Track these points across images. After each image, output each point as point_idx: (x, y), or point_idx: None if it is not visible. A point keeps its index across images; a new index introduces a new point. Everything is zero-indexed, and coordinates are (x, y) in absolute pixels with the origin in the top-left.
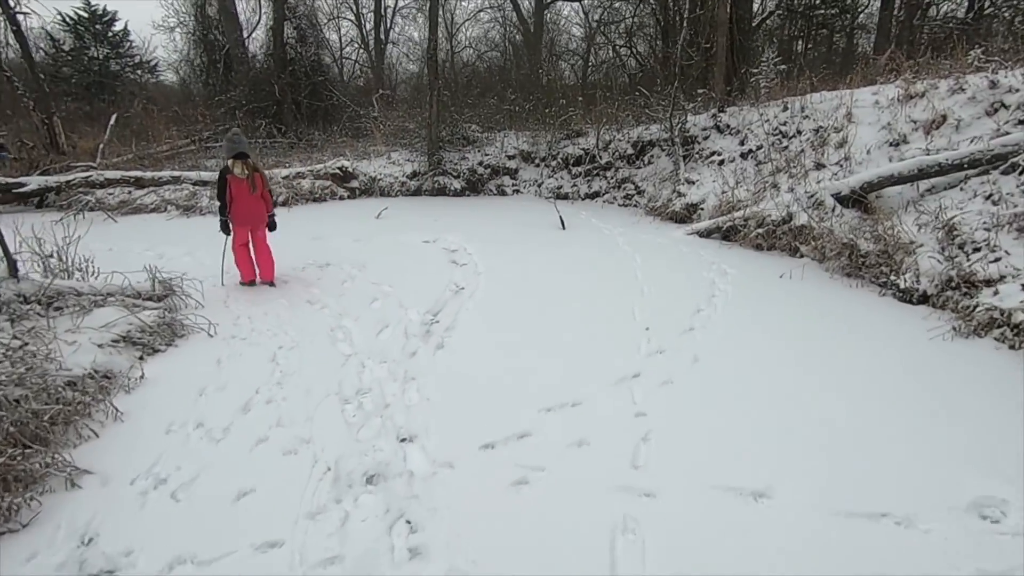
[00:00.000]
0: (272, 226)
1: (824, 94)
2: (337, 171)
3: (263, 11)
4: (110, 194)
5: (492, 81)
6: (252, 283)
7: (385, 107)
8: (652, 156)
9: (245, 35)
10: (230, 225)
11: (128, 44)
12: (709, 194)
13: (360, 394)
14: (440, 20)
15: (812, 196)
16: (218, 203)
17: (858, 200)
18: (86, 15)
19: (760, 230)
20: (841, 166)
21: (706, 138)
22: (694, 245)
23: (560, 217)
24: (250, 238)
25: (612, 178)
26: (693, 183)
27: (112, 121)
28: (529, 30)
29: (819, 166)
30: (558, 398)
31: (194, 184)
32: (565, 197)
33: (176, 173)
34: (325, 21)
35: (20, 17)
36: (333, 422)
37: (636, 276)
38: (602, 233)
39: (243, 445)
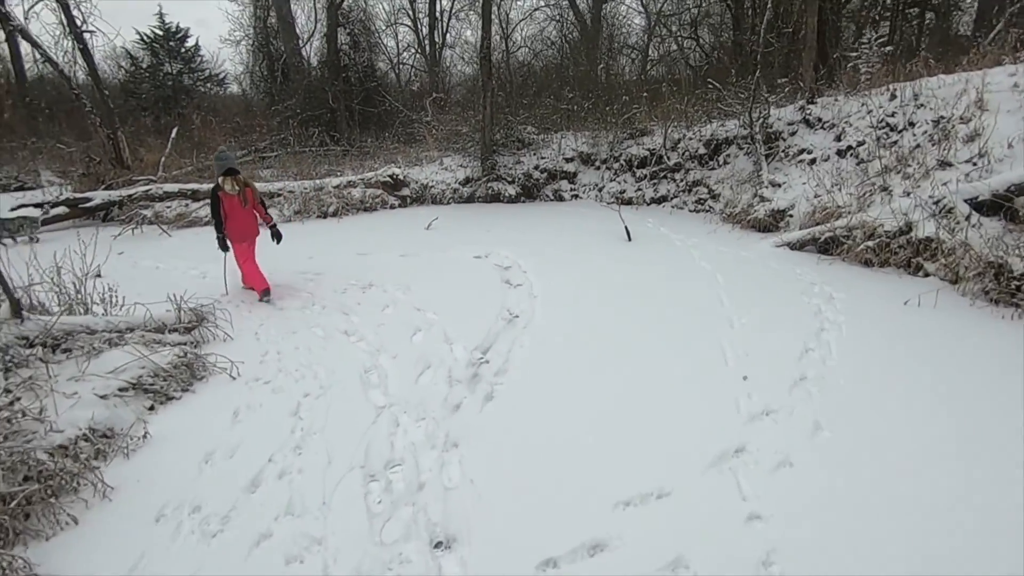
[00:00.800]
0: (277, 236)
1: (942, 78)
2: (388, 179)
3: (319, 19)
4: (168, 207)
5: (548, 80)
6: (268, 292)
7: (438, 111)
8: (728, 155)
9: (302, 44)
10: (227, 242)
11: (199, 59)
12: (799, 199)
13: (389, 468)
14: (494, 19)
15: (938, 201)
16: (214, 220)
17: (1002, 206)
18: (161, 33)
19: (869, 243)
20: (975, 164)
21: (793, 134)
22: (786, 260)
23: (625, 227)
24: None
25: (682, 181)
26: (779, 186)
27: (173, 134)
28: (587, 26)
29: (944, 164)
30: (639, 484)
31: None
32: (628, 202)
33: None
34: (383, 27)
35: (86, 36)
36: (353, 511)
37: (721, 301)
38: (674, 245)
39: (241, 544)
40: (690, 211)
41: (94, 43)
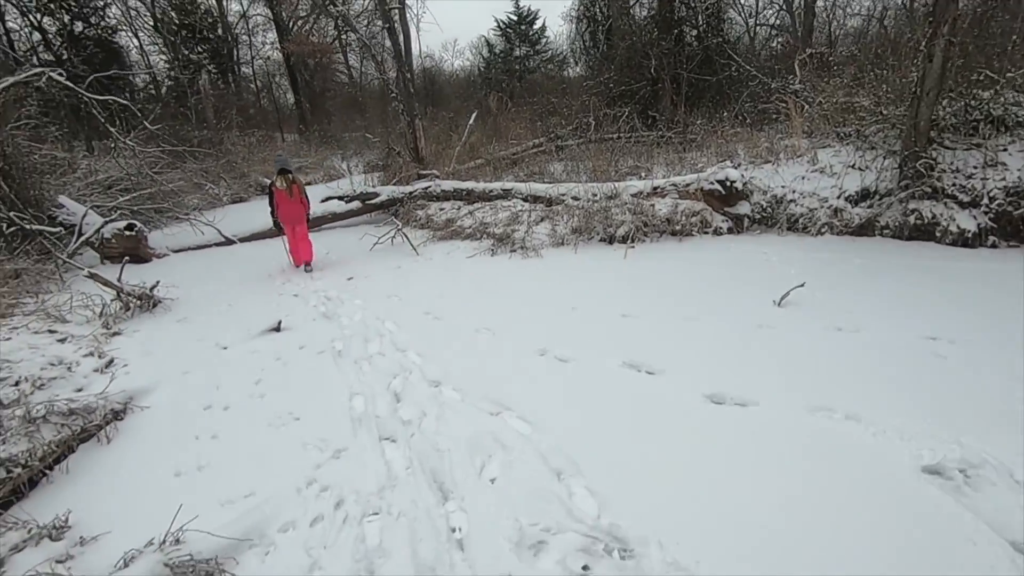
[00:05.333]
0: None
1: None
2: (716, 186)
3: None
4: (441, 209)
5: None
6: (308, 264)
7: (813, 74)
8: None
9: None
10: (282, 226)
11: (544, 40)
12: None
13: None
14: None
15: None
16: (270, 209)
17: None
18: (515, 18)
19: None
20: None
21: None
22: None
23: None
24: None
25: None
26: None
27: (471, 120)
28: None
29: None
30: None
31: (524, 199)
32: None
33: (508, 185)
34: None
35: (392, 13)
36: None
37: None
38: None
39: None
40: None
41: (405, 19)
